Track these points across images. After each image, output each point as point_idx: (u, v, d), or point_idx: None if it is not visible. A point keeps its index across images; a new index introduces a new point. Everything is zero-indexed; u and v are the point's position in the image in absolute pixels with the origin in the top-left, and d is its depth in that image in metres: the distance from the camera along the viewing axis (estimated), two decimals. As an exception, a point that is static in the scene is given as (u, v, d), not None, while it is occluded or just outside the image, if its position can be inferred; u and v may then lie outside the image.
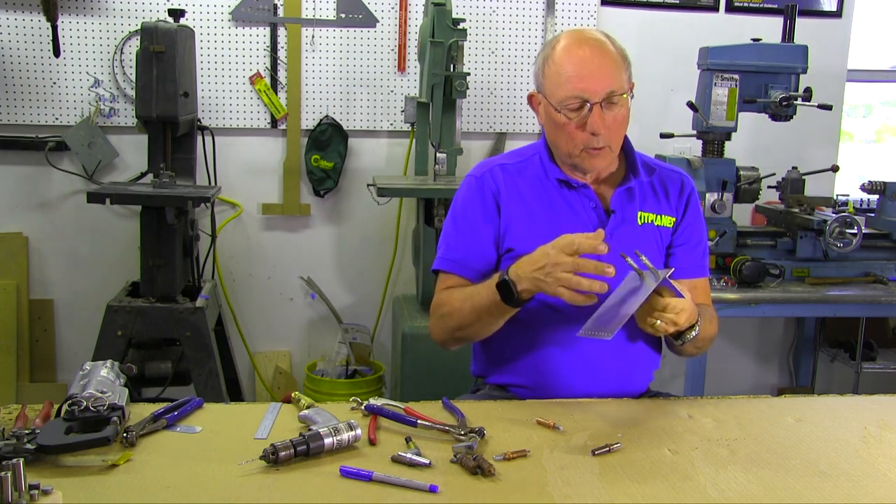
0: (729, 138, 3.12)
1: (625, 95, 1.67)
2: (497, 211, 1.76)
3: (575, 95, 1.64)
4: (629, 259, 1.52)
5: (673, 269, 1.55)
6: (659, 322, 1.54)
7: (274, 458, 1.29)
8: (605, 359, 1.74)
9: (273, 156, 3.48)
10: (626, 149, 1.82)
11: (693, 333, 1.64)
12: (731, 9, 3.65)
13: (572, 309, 1.70)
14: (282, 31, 3.38)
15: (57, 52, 3.04)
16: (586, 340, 1.67)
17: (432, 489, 1.24)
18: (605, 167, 1.75)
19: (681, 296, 1.55)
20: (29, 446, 1.27)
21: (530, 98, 1.78)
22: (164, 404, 1.52)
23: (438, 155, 3.09)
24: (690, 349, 1.72)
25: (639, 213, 1.77)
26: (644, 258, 1.52)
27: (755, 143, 3.61)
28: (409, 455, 1.34)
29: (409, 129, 3.44)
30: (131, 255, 3.25)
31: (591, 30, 1.76)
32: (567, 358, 1.73)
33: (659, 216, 1.79)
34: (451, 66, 3.00)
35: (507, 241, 1.76)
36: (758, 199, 3.17)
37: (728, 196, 3.04)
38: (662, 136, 3.16)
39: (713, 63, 3.01)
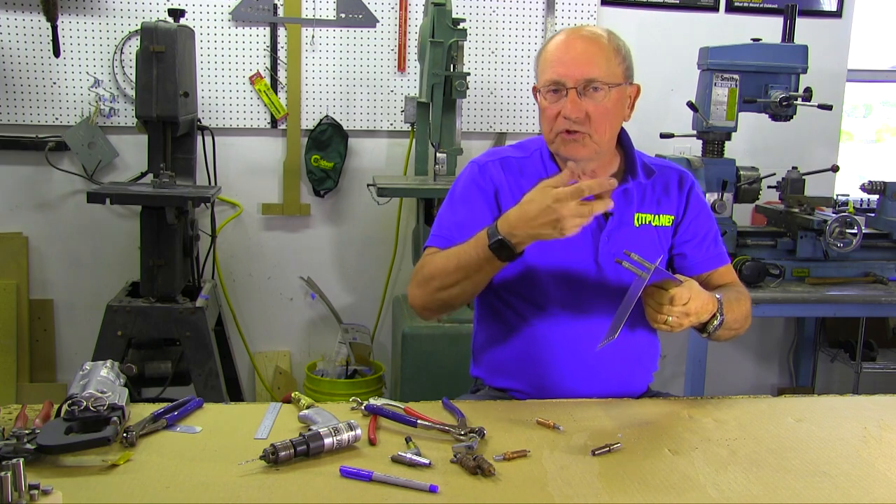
0: (729, 138, 3.12)
1: (613, 87, 1.65)
2: (495, 202, 1.75)
3: (552, 79, 1.66)
4: (624, 263, 1.50)
5: (661, 257, 1.53)
6: (670, 318, 1.52)
7: (274, 458, 1.29)
8: (605, 361, 1.73)
9: (273, 156, 3.48)
10: (626, 149, 1.81)
11: (717, 322, 1.62)
12: (731, 9, 3.65)
13: (572, 313, 1.72)
14: (282, 31, 3.38)
15: (57, 52, 3.04)
16: (585, 343, 1.68)
17: (432, 489, 1.24)
18: (584, 156, 1.70)
19: (679, 282, 1.53)
20: (29, 446, 1.27)
21: (533, 90, 1.78)
22: (164, 404, 1.52)
23: (438, 155, 3.09)
24: (727, 333, 1.69)
25: (636, 215, 1.77)
26: (635, 255, 1.50)
27: (755, 143, 3.61)
28: (409, 455, 1.33)
29: (409, 129, 3.44)
30: (131, 255, 3.25)
31: (593, 26, 1.76)
32: (566, 362, 1.73)
33: (657, 216, 1.78)
34: (451, 66, 3.00)
35: None
36: (758, 199, 3.17)
37: (728, 196, 3.04)
38: (662, 136, 3.16)
39: (713, 63, 3.01)
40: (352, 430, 1.37)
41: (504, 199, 1.75)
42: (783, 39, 3.12)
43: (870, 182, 3.16)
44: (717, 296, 1.63)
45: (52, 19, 2.97)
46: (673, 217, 1.80)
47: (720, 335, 1.67)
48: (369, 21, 3.41)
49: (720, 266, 1.84)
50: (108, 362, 1.53)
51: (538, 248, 1.65)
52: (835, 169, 3.30)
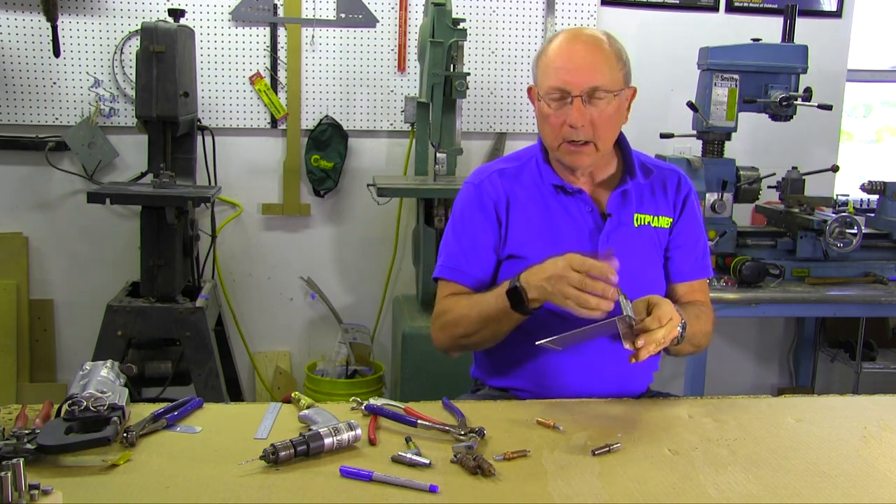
0: (729, 138, 3.12)
1: (615, 94, 1.66)
2: (496, 217, 1.76)
3: (557, 87, 1.65)
4: (620, 297, 1.49)
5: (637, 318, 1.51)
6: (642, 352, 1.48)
7: (274, 458, 1.29)
8: (606, 360, 1.73)
9: (273, 156, 3.48)
10: (624, 150, 1.81)
11: (676, 335, 1.59)
12: (731, 9, 3.65)
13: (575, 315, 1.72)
14: (282, 31, 3.38)
15: (57, 52, 3.04)
16: (585, 344, 1.68)
17: (432, 489, 1.24)
18: (588, 165, 1.72)
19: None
20: (29, 446, 1.27)
21: (529, 91, 1.78)
22: (164, 404, 1.52)
23: (438, 155, 3.09)
24: (687, 348, 1.70)
25: (635, 216, 1.77)
26: (624, 299, 1.49)
27: (755, 143, 3.61)
28: (409, 455, 1.33)
29: (409, 129, 3.44)
30: (131, 255, 3.25)
31: (591, 28, 1.76)
32: (567, 360, 1.72)
33: (656, 217, 1.78)
34: (451, 66, 3.00)
35: (507, 246, 1.75)
36: (758, 199, 3.17)
37: (728, 196, 3.04)
38: (662, 136, 3.16)
39: (713, 63, 3.01)
40: (352, 430, 1.37)
41: (504, 209, 1.76)
42: (783, 39, 3.12)
43: (870, 182, 3.16)
44: (682, 319, 1.59)
45: (52, 19, 2.97)
46: (671, 219, 1.80)
47: (680, 349, 1.66)
48: (369, 21, 3.42)
49: (697, 279, 1.83)
50: (108, 362, 1.53)
51: (539, 249, 1.66)
52: (835, 169, 3.30)
